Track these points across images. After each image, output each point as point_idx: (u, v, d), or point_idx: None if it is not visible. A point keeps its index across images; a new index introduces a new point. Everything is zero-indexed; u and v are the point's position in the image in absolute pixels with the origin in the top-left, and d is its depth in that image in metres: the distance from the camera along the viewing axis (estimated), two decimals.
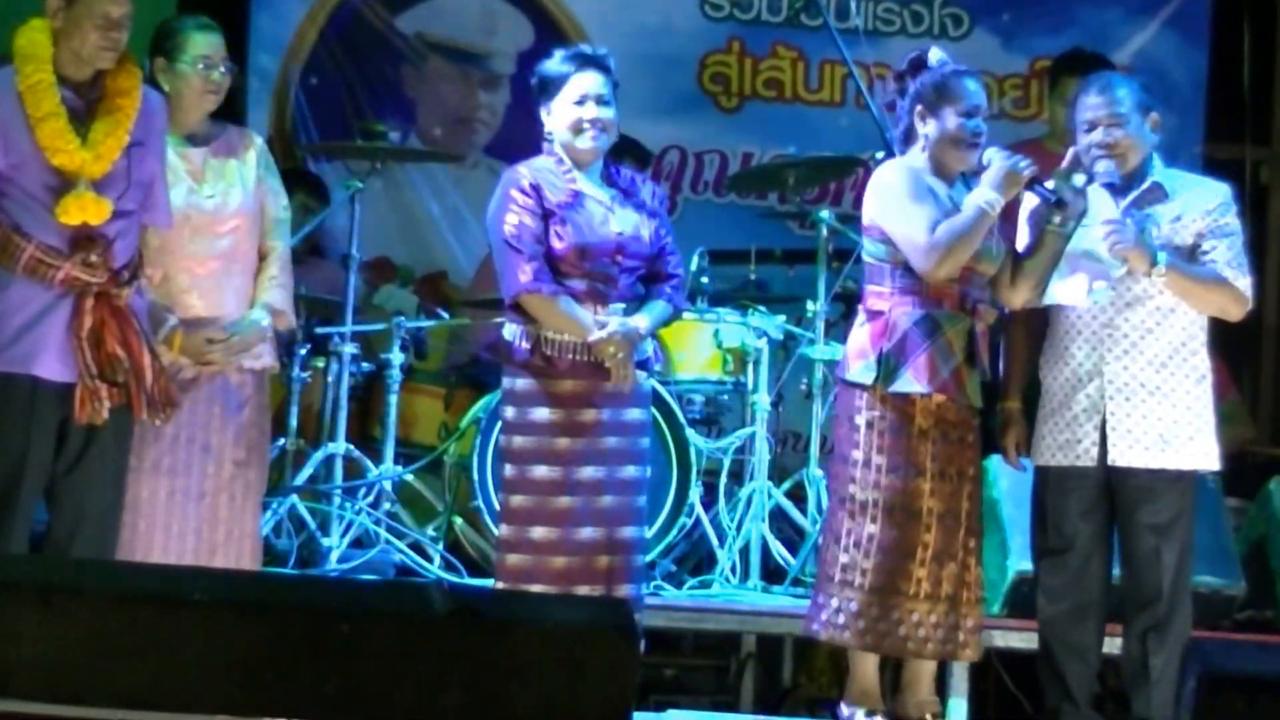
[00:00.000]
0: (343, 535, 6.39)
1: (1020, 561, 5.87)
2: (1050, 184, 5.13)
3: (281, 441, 6.54)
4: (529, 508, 5.09)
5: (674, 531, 6.32)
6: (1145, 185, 5.17)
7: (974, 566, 5.12)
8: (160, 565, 4.82)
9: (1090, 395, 5.13)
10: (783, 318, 6.77)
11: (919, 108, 5.13)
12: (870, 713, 5.17)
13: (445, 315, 7.22)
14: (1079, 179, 5.14)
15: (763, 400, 6.51)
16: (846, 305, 6.77)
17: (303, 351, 6.69)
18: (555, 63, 5.22)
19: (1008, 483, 5.86)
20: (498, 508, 5.51)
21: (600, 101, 5.16)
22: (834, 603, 5.07)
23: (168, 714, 3.44)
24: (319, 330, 6.77)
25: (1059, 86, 6.71)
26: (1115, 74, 5.62)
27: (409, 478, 6.57)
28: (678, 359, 6.55)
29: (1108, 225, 5.06)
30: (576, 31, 8.21)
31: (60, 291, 4.74)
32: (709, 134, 8.51)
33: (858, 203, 5.37)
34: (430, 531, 6.50)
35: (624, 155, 6.50)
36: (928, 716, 5.21)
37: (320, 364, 6.75)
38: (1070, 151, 5.19)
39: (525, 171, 5.16)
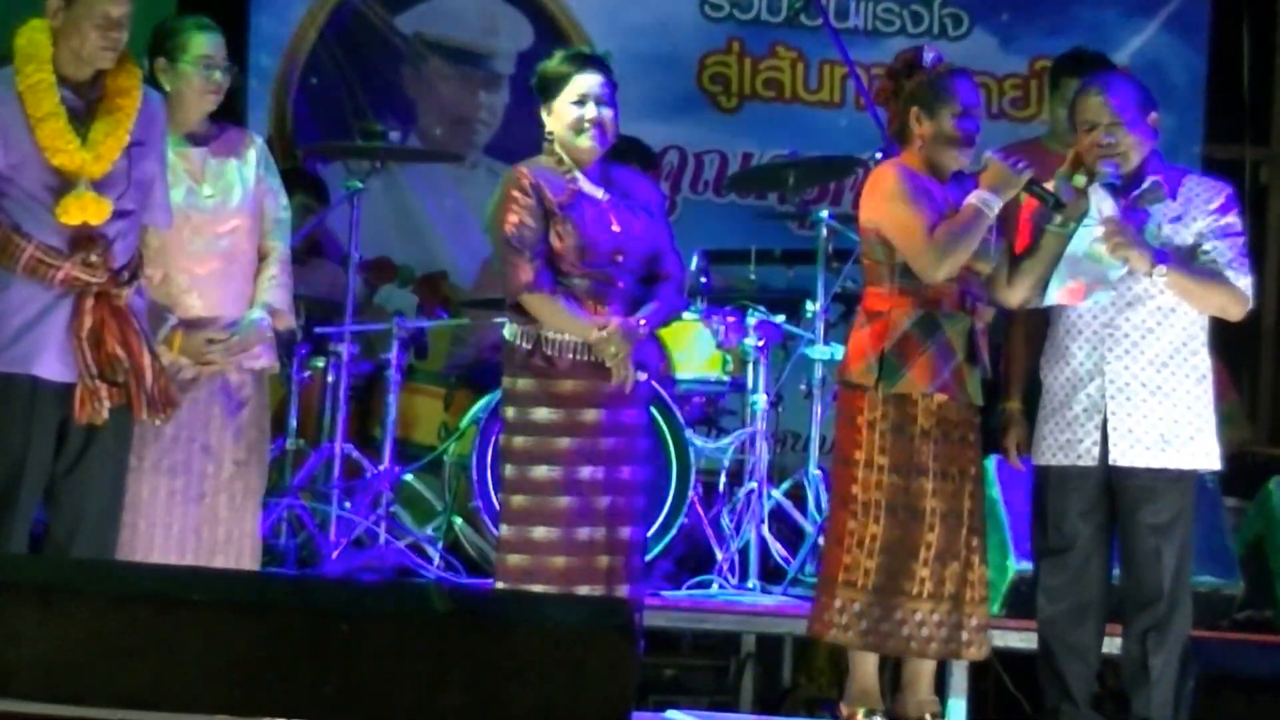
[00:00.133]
0: (342, 535, 6.39)
1: (1020, 561, 5.88)
2: (1050, 185, 5.13)
3: (281, 441, 6.54)
4: (529, 508, 5.09)
5: (673, 531, 6.32)
6: (1145, 185, 5.17)
7: (977, 565, 5.12)
8: (160, 565, 4.82)
9: (1091, 395, 5.13)
10: (782, 317, 6.77)
11: (914, 109, 5.13)
12: (870, 713, 5.17)
13: (445, 315, 7.23)
14: (1080, 179, 5.14)
15: (762, 400, 6.51)
16: (846, 305, 6.77)
17: (303, 351, 6.69)
18: (555, 63, 5.21)
19: (1007, 482, 5.86)
20: (497, 508, 5.51)
21: (600, 102, 5.15)
22: (837, 603, 5.07)
23: (168, 714, 3.45)
24: (319, 330, 6.77)
25: (1059, 87, 6.71)
26: (1114, 74, 5.62)
27: (409, 478, 6.57)
28: (678, 359, 6.55)
29: (1108, 225, 5.06)
30: (576, 31, 8.22)
31: (60, 291, 4.74)
32: (708, 134, 8.51)
33: (857, 203, 5.37)
34: (430, 531, 6.50)
35: (627, 155, 6.49)
36: (927, 716, 5.20)
37: (320, 364, 6.75)
38: (1070, 152, 5.19)
39: (525, 171, 5.16)
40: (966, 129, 5.11)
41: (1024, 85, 8.55)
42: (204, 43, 5.11)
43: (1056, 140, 6.43)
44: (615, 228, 5.16)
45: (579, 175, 5.18)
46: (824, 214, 6.64)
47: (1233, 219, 5.18)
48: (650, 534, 5.89)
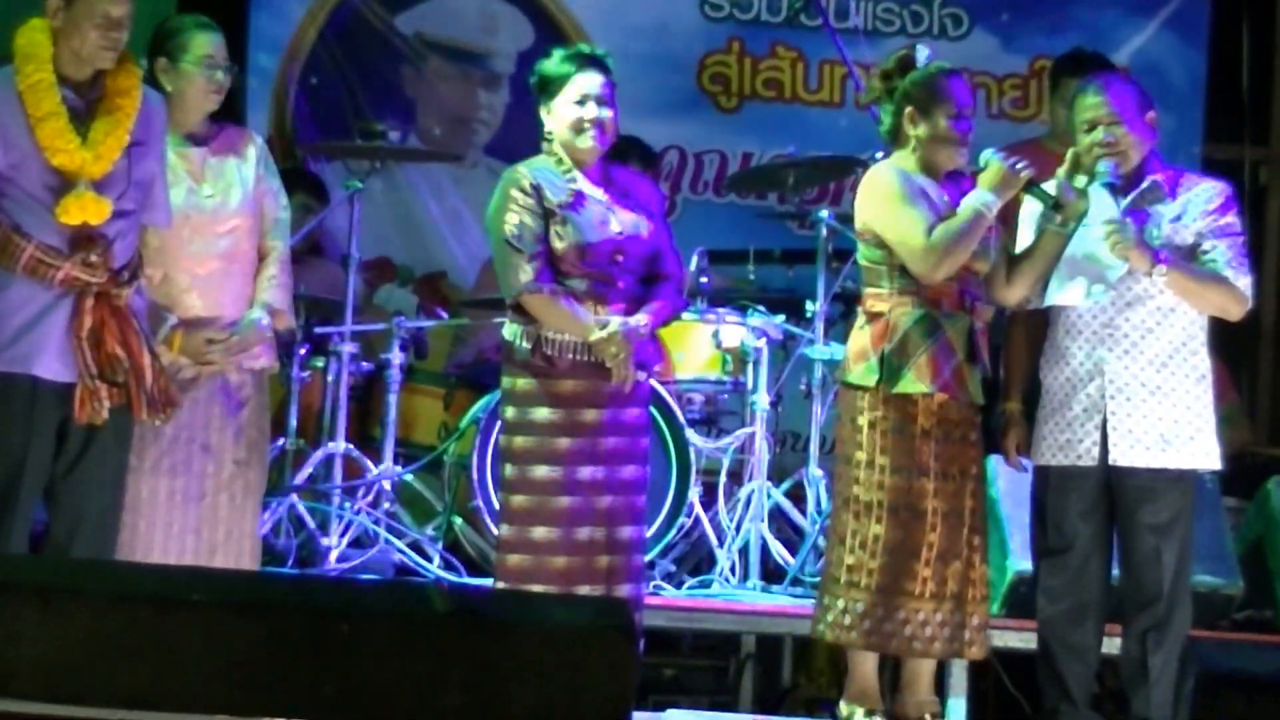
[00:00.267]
0: (342, 535, 6.39)
1: (1019, 561, 5.88)
2: (1050, 185, 5.14)
3: (281, 441, 6.54)
4: (529, 508, 5.09)
5: (673, 531, 6.32)
6: (1145, 185, 5.17)
7: (979, 564, 5.12)
8: (159, 565, 4.82)
9: (1091, 395, 5.14)
10: (782, 318, 6.77)
11: (909, 109, 5.13)
12: (869, 713, 5.17)
13: (445, 315, 7.23)
14: (1080, 179, 5.15)
15: (762, 400, 6.51)
16: (846, 305, 6.77)
17: (302, 351, 6.69)
18: (555, 62, 5.21)
19: (1007, 482, 5.87)
20: (497, 508, 5.51)
21: (600, 101, 5.16)
22: (840, 604, 5.07)
23: (167, 714, 3.44)
24: (319, 330, 6.77)
25: (1060, 87, 6.71)
26: (1113, 74, 5.63)
27: (408, 478, 6.57)
28: (678, 359, 6.55)
29: (1108, 225, 5.06)
30: (576, 31, 8.21)
31: (60, 291, 4.74)
32: (708, 134, 8.51)
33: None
34: (430, 531, 6.50)
35: (629, 155, 6.51)
36: (927, 716, 5.21)
37: (320, 364, 6.75)
38: (1070, 152, 5.19)
39: (525, 171, 5.16)
40: (962, 129, 5.12)
41: (1024, 85, 8.55)
42: (205, 42, 5.11)
43: (1057, 140, 6.43)
44: (615, 228, 5.16)
45: (579, 175, 5.18)
46: (824, 214, 6.64)
47: (1232, 219, 5.18)
48: (650, 534, 5.89)
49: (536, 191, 5.11)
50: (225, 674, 3.47)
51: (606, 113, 5.17)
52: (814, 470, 6.53)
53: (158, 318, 5.01)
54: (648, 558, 5.78)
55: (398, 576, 6.23)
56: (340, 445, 6.51)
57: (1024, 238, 5.27)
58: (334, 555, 6.33)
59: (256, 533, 5.26)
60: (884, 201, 5.09)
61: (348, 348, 6.58)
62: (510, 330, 5.17)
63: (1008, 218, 5.33)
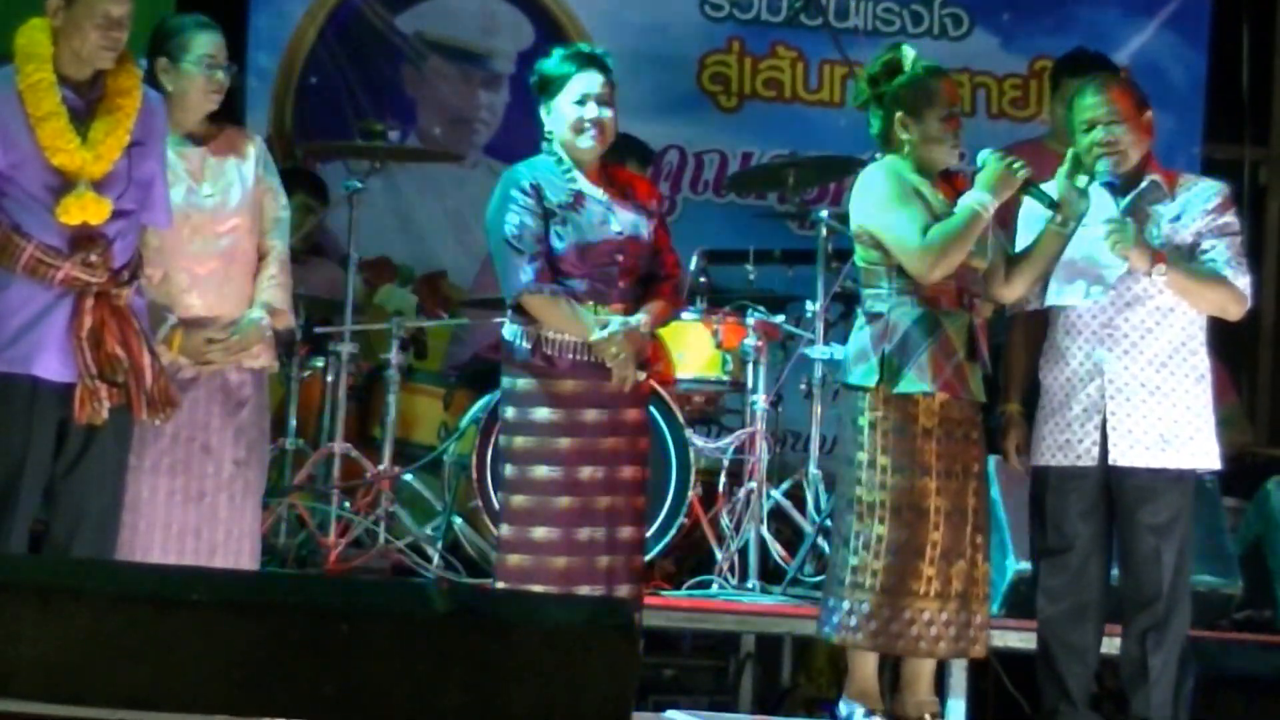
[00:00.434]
0: (342, 535, 6.39)
1: (1019, 561, 5.88)
2: (1050, 186, 5.14)
3: (281, 441, 6.54)
4: (530, 508, 5.09)
5: (673, 531, 6.32)
6: (1144, 184, 5.17)
7: (981, 563, 5.12)
8: (159, 565, 4.82)
9: (1090, 395, 5.14)
10: (782, 318, 6.77)
11: (899, 114, 5.12)
12: (869, 713, 5.17)
13: (445, 315, 7.22)
14: (1081, 179, 5.15)
15: (762, 400, 6.51)
16: (846, 305, 6.77)
17: (302, 351, 6.69)
18: (555, 62, 5.21)
19: (1006, 482, 5.86)
20: (497, 508, 5.51)
21: (601, 101, 5.16)
22: (845, 605, 5.07)
23: (167, 714, 3.45)
24: (318, 330, 6.77)
25: (1060, 88, 6.71)
26: (1110, 74, 5.63)
27: (408, 478, 6.56)
28: (678, 359, 6.55)
29: (1108, 224, 5.06)
30: (577, 31, 8.21)
31: (60, 291, 4.74)
32: (708, 134, 8.51)
33: None
34: (430, 531, 6.49)
35: (627, 154, 6.50)
36: (926, 716, 5.20)
37: (319, 364, 6.75)
38: (1069, 153, 5.19)
39: (525, 171, 5.16)
40: (954, 128, 5.11)
41: (1024, 85, 8.55)
42: (206, 42, 5.11)
43: (1057, 140, 6.43)
44: (615, 228, 5.16)
45: (579, 175, 5.18)
46: (824, 214, 6.63)
47: (1231, 218, 5.19)
48: (650, 534, 5.89)
49: (536, 191, 5.11)
50: (225, 674, 3.47)
51: (607, 112, 5.16)
52: (814, 470, 6.53)
53: (157, 317, 5.00)
54: (648, 558, 5.78)
55: (398, 576, 6.23)
56: (340, 445, 6.51)
57: (1023, 238, 5.27)
58: (334, 555, 6.32)
59: (256, 532, 5.26)
60: (878, 203, 5.09)
61: (347, 347, 6.58)
62: (510, 330, 5.17)
63: (1006, 218, 5.33)
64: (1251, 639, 6.07)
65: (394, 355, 6.58)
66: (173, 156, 5.05)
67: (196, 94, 5.11)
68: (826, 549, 5.91)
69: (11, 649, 3.41)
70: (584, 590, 5.03)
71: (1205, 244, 5.14)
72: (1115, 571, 5.23)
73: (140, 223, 4.90)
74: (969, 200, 5.05)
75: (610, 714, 3.55)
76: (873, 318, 5.12)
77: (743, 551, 6.37)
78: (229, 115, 5.40)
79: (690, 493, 6.32)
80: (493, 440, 6.03)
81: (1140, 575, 5.11)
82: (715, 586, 6.31)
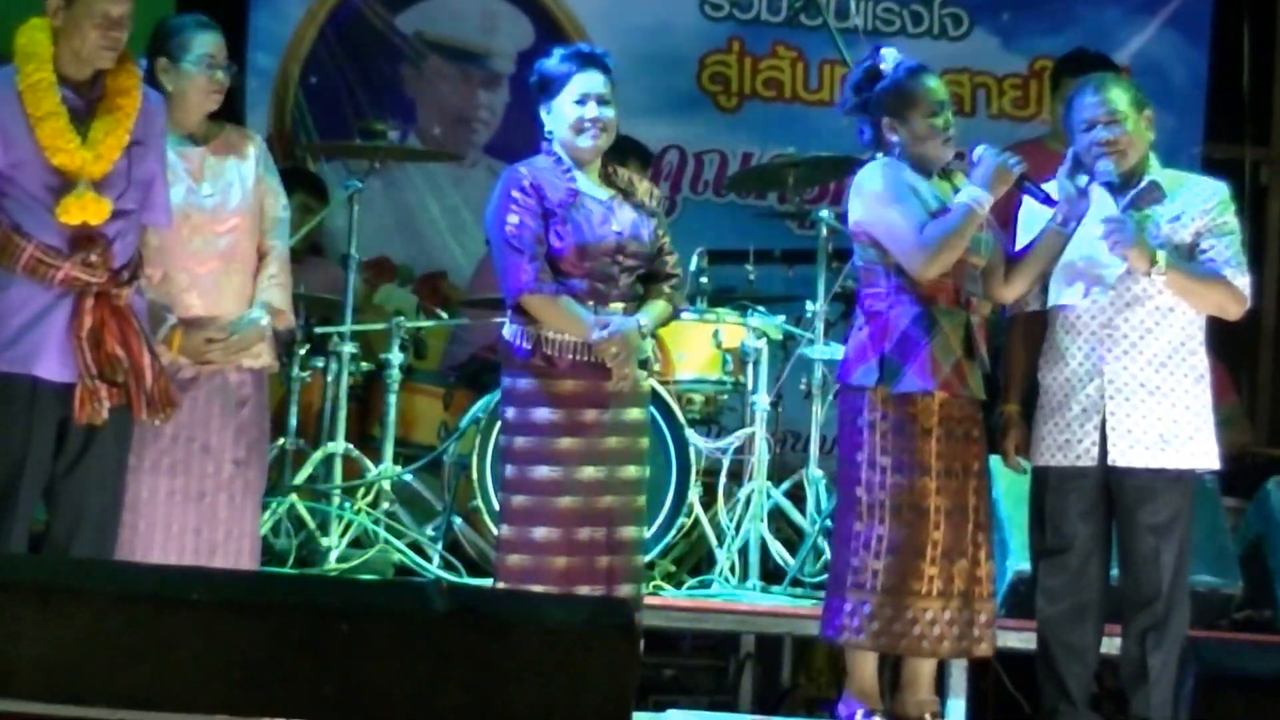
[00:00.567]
0: (342, 535, 6.39)
1: (1019, 562, 5.88)
2: (1050, 185, 5.14)
3: (281, 441, 6.54)
4: (530, 508, 5.09)
5: (673, 531, 6.32)
6: (1143, 184, 5.17)
7: (984, 561, 5.12)
8: (160, 565, 4.82)
9: (1090, 395, 5.14)
10: (782, 318, 6.77)
11: (885, 119, 5.13)
12: (869, 713, 5.17)
13: (445, 315, 7.22)
14: (1081, 179, 5.15)
15: (762, 400, 6.51)
16: (846, 305, 6.77)
17: (302, 351, 6.69)
18: (555, 62, 5.21)
19: (1006, 482, 5.86)
20: (497, 508, 5.51)
21: (601, 101, 5.15)
22: (848, 606, 5.06)
23: (167, 714, 3.44)
24: (318, 330, 6.77)
25: (1061, 87, 6.71)
26: (1109, 74, 5.62)
27: (408, 478, 6.56)
28: (678, 359, 6.55)
29: (1108, 224, 5.06)
30: (576, 31, 8.21)
31: (60, 291, 4.74)
32: (709, 134, 8.51)
33: None
34: (430, 531, 6.49)
35: (628, 157, 6.51)
36: (927, 716, 5.20)
37: (319, 364, 6.74)
38: (1069, 153, 5.20)
39: (525, 171, 5.16)
40: (942, 124, 5.11)
41: (1024, 85, 8.55)
42: (206, 42, 5.11)
43: (1058, 140, 6.43)
44: (615, 227, 5.16)
45: (579, 175, 5.18)
46: (824, 214, 6.63)
47: (1230, 218, 5.19)
48: (650, 534, 5.89)
49: (536, 191, 5.11)
50: (225, 674, 3.47)
51: (607, 112, 5.16)
52: (814, 470, 6.53)
53: (157, 317, 5.00)
54: (648, 558, 5.78)
55: (398, 576, 6.23)
56: (340, 445, 6.51)
57: (1022, 238, 5.27)
58: (334, 555, 6.32)
59: (256, 533, 5.26)
60: (874, 200, 5.09)
61: (347, 347, 6.58)
62: (510, 330, 5.17)
63: (1006, 219, 5.33)
64: (1252, 639, 6.06)
65: (393, 355, 6.59)
66: (173, 156, 5.05)
67: (196, 94, 5.11)
68: (827, 549, 5.91)
69: (11, 649, 3.41)
70: (584, 590, 5.02)
71: (1204, 243, 5.14)
72: (1115, 571, 5.23)
73: (140, 223, 4.90)
74: (964, 196, 5.05)
75: (610, 714, 3.55)
76: (871, 317, 5.12)
77: (743, 551, 6.36)
78: (229, 115, 5.40)
79: (690, 493, 6.32)
80: (493, 440, 6.04)
81: (1140, 575, 5.12)
82: (715, 586, 6.31)
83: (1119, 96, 5.15)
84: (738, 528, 6.38)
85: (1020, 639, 5.65)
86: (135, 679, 3.44)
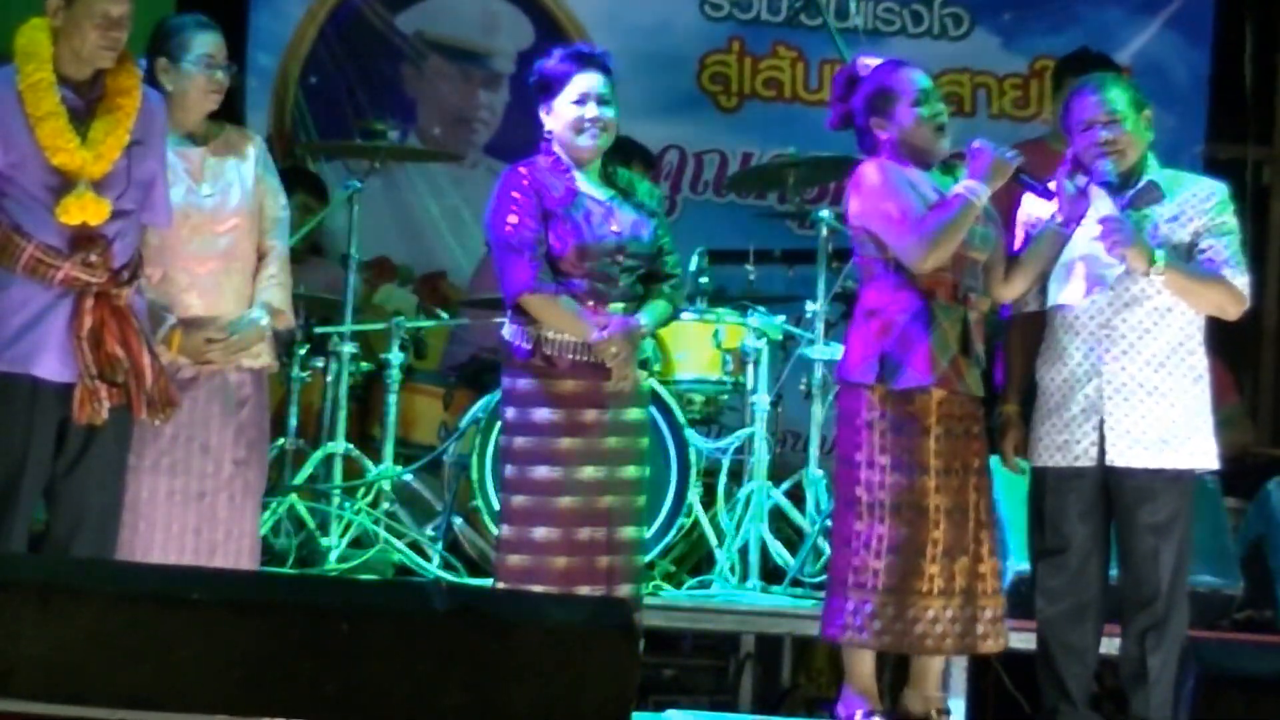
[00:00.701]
0: (342, 535, 6.39)
1: (1018, 562, 5.88)
2: (1051, 185, 5.14)
3: (281, 441, 6.54)
4: (530, 508, 5.09)
5: (673, 531, 6.32)
6: (1142, 184, 5.17)
7: (987, 558, 5.11)
8: (160, 565, 4.82)
9: (1089, 396, 5.13)
10: (782, 318, 6.77)
11: (872, 119, 5.13)
12: (869, 712, 5.16)
13: (445, 315, 7.22)
14: (1080, 179, 5.15)
15: (762, 400, 6.51)
16: (846, 305, 6.75)
17: (302, 351, 6.69)
18: (555, 62, 5.21)
19: (1005, 483, 5.85)
20: (497, 508, 5.51)
21: (601, 101, 5.15)
22: (849, 605, 5.06)
23: (168, 714, 3.44)
24: (318, 330, 6.77)
25: (1062, 87, 6.71)
26: (1108, 74, 5.62)
27: (408, 478, 6.56)
28: (678, 359, 6.54)
29: (1106, 223, 5.06)
30: (577, 31, 8.21)
31: (60, 291, 4.73)
32: (708, 134, 8.51)
33: None
34: (430, 531, 6.49)
35: (631, 158, 6.50)
36: (933, 712, 5.20)
37: (319, 364, 6.75)
38: (1068, 154, 5.19)
39: (524, 171, 5.16)
40: (930, 114, 5.10)
41: (1025, 85, 8.55)
42: (206, 42, 5.11)
43: (1060, 140, 6.43)
44: (615, 227, 5.16)
45: (578, 175, 5.18)
46: (824, 214, 6.63)
47: (1229, 217, 5.18)
48: (650, 534, 5.89)
49: (536, 191, 5.10)
50: (225, 673, 3.47)
51: (607, 112, 5.16)
52: (814, 470, 6.52)
53: (157, 317, 5.00)
54: (648, 558, 5.77)
55: (398, 576, 6.22)
56: (340, 445, 6.51)
57: (1021, 237, 5.27)
58: (334, 555, 6.32)
59: (256, 532, 5.26)
60: (872, 194, 5.09)
61: (347, 347, 6.58)
62: (510, 330, 5.17)
63: (1007, 219, 5.33)
64: (1252, 639, 6.06)
65: (393, 355, 6.59)
66: (172, 156, 5.04)
67: (196, 94, 5.11)
68: (827, 549, 5.91)
69: (12, 648, 3.41)
70: (584, 590, 5.02)
71: (1203, 243, 5.14)
72: (1115, 571, 5.23)
73: (140, 222, 4.90)
74: (961, 187, 5.05)
75: (610, 714, 3.55)
76: (870, 314, 5.11)
77: (743, 551, 6.36)
78: (229, 115, 5.40)
79: (690, 493, 6.32)
80: (493, 440, 6.04)
81: (1139, 575, 5.11)
82: (715, 586, 6.31)
83: (1118, 96, 5.14)
84: (738, 528, 6.37)
85: (1020, 639, 5.64)
86: (135, 679, 3.44)
